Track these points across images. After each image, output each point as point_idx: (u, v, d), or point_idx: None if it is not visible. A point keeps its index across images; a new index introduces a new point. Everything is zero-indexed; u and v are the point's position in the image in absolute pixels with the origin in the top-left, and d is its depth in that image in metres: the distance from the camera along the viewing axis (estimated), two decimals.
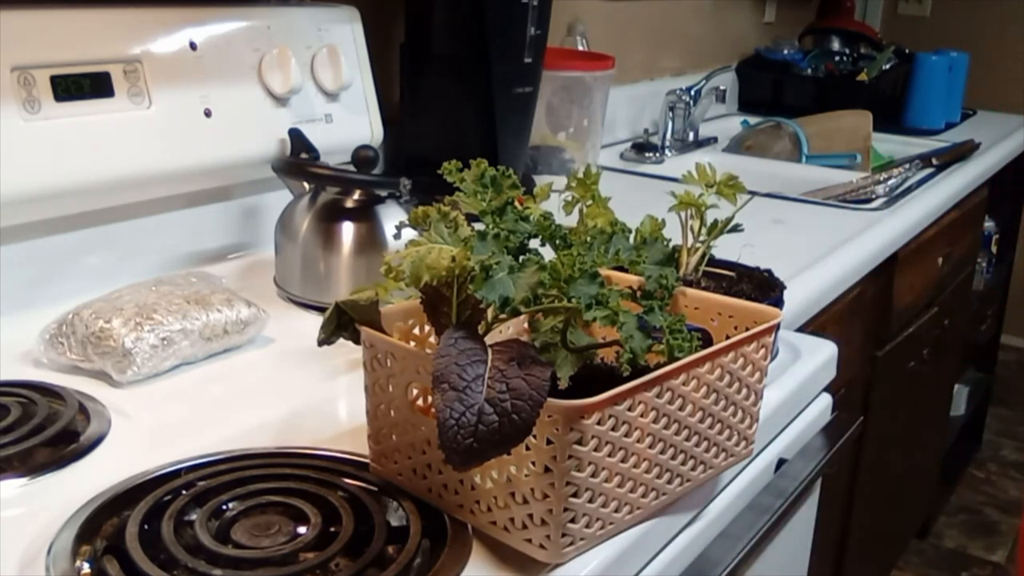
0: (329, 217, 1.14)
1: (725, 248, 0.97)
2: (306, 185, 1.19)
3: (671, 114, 2.22)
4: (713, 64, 2.50)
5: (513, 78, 1.50)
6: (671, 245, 0.86)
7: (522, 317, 0.83)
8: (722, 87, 2.39)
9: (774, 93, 2.69)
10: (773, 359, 1.04)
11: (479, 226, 0.72)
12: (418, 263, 0.69)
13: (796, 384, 1.05)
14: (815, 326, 1.40)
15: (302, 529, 0.71)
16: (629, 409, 0.68)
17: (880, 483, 2.03)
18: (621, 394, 0.67)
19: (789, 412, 1.05)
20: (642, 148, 2.13)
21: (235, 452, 0.81)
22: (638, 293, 0.76)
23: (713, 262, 0.98)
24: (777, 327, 0.85)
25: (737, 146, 2.33)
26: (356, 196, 1.15)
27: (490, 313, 0.71)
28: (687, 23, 2.52)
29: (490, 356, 0.65)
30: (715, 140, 2.35)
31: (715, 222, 0.93)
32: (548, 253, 0.73)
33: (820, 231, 1.61)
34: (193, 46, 1.20)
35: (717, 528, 0.88)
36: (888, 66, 2.69)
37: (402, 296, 0.77)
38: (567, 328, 0.77)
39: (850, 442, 1.12)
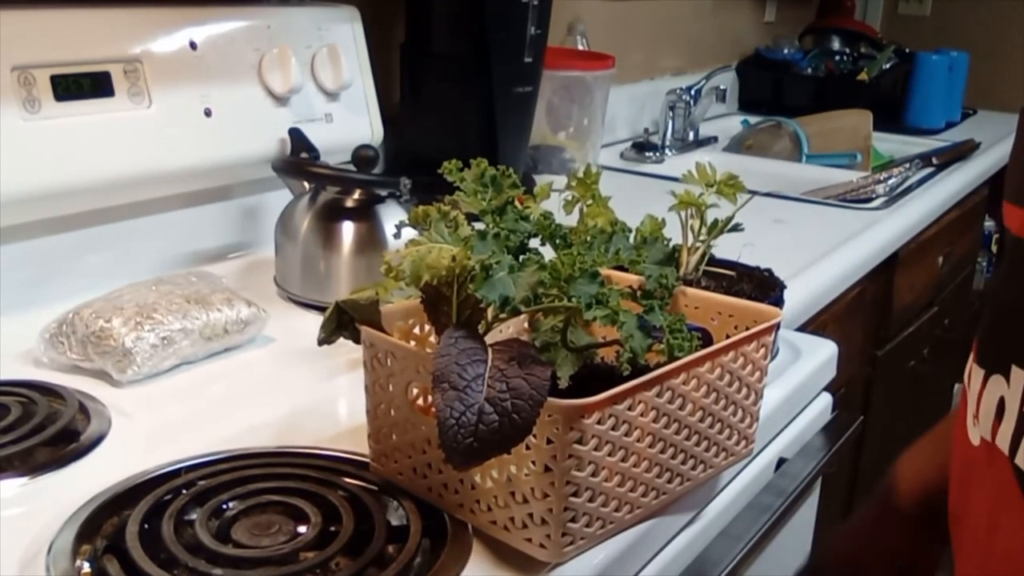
0: (329, 217, 1.14)
1: (725, 248, 0.97)
2: (306, 185, 1.19)
3: (671, 113, 2.22)
4: (713, 64, 2.50)
5: (513, 78, 1.50)
6: (671, 244, 0.86)
7: (522, 317, 0.83)
8: (722, 87, 2.39)
9: (774, 93, 2.69)
10: (773, 358, 1.04)
11: (479, 225, 0.72)
12: (418, 262, 0.69)
13: (796, 383, 1.05)
14: (815, 325, 1.40)
15: (302, 528, 0.71)
16: (629, 408, 0.68)
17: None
18: (621, 393, 0.67)
19: (789, 411, 1.05)
20: (642, 148, 2.13)
21: (235, 451, 0.81)
22: (638, 293, 0.76)
23: (713, 261, 0.98)
24: (777, 326, 0.85)
25: (737, 146, 2.33)
26: (356, 196, 1.15)
27: (490, 313, 0.71)
28: (687, 23, 2.52)
29: (490, 355, 0.65)
30: (715, 140, 2.35)
31: (715, 221, 0.93)
32: (548, 253, 0.73)
33: (820, 231, 1.61)
34: (193, 46, 1.20)
35: (717, 528, 0.88)
36: (888, 66, 2.69)
37: (402, 296, 0.77)
38: (567, 327, 0.77)
39: (850, 442, 1.12)
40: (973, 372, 0.65)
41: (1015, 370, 0.61)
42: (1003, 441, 0.61)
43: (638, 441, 0.70)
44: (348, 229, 1.13)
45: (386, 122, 1.44)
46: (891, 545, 0.86)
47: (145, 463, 0.79)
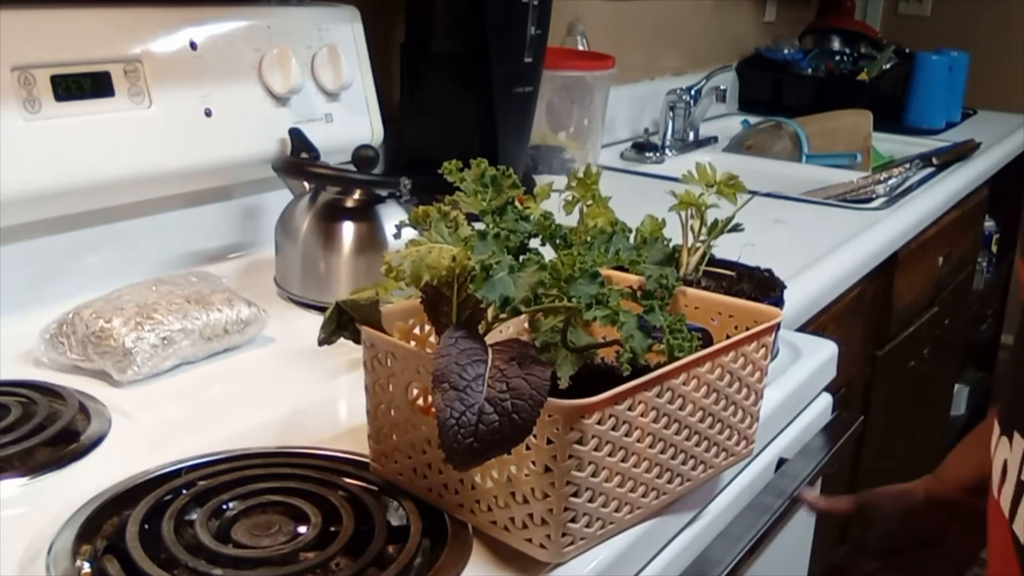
0: (329, 217, 1.14)
1: (725, 248, 0.97)
2: (306, 185, 1.19)
3: (671, 114, 2.22)
4: (713, 64, 2.50)
5: (513, 78, 1.50)
6: (671, 245, 0.86)
7: (522, 317, 0.83)
8: (722, 87, 2.39)
9: (774, 93, 2.69)
10: (773, 359, 1.04)
11: (479, 226, 0.72)
12: (418, 263, 0.69)
13: (796, 384, 1.05)
14: (815, 326, 1.40)
15: (302, 529, 0.71)
16: (629, 409, 0.68)
17: (880, 483, 2.03)
18: (621, 394, 0.67)
19: (789, 412, 1.05)
20: (642, 148, 2.13)
21: (235, 452, 0.81)
22: (638, 293, 0.76)
23: (713, 262, 0.98)
24: (777, 327, 0.85)
25: (737, 146, 2.33)
26: (356, 196, 1.15)
27: (490, 313, 0.71)
28: (687, 23, 2.52)
29: (490, 356, 0.65)
30: (715, 140, 2.35)
31: (715, 222, 0.93)
32: (548, 253, 0.73)
33: (820, 231, 1.61)
34: (193, 46, 1.20)
35: (717, 528, 0.88)
36: (888, 66, 2.69)
37: (402, 296, 0.77)
38: (567, 328, 0.76)
39: (850, 442, 1.12)
40: (994, 429, 0.66)
41: (1016, 436, 0.61)
42: (1005, 503, 0.62)
43: (638, 441, 0.70)
44: (348, 229, 1.13)
45: (386, 122, 1.44)
46: (915, 510, 0.90)
47: (145, 463, 0.79)
